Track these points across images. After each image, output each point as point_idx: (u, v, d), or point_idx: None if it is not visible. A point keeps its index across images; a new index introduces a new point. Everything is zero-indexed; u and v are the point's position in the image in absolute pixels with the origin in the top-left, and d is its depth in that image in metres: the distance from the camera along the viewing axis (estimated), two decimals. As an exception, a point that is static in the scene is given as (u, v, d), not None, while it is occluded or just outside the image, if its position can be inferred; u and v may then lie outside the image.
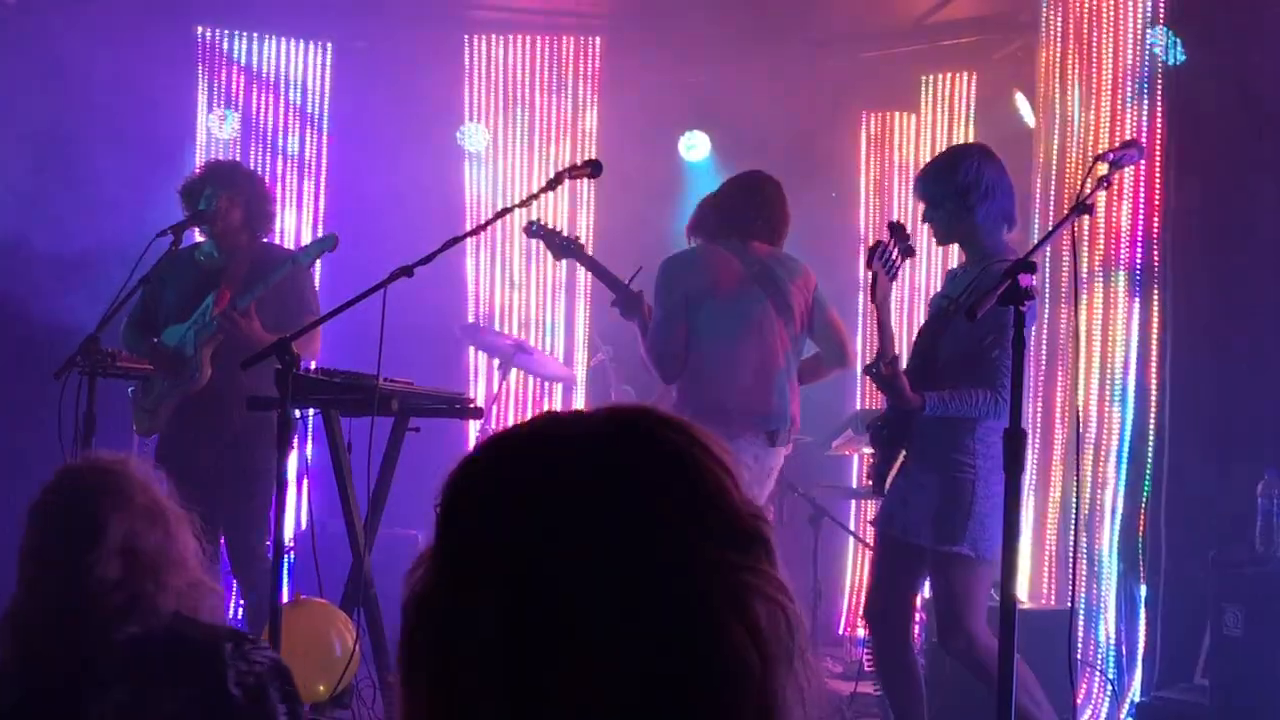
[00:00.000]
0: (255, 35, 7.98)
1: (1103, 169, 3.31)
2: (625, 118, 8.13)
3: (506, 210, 4.21)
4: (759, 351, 4.98)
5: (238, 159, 7.81)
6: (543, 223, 5.68)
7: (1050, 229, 3.19)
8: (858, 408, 7.78)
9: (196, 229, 5.54)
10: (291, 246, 7.88)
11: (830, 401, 7.81)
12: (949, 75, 7.88)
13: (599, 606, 0.94)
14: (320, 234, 8.02)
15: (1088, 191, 3.18)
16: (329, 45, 8.10)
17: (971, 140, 7.71)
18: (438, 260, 6.97)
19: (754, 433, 4.93)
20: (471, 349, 8.05)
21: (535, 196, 4.33)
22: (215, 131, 7.88)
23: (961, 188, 4.21)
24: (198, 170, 5.65)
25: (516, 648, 0.94)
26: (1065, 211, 4.14)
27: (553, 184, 4.29)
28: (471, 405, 4.88)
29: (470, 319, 7.99)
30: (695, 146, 8.36)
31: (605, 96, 8.31)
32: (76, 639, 2.27)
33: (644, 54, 8.01)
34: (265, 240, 5.66)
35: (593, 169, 4.31)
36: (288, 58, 8.05)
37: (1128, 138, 5.12)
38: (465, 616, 0.97)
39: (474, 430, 7.51)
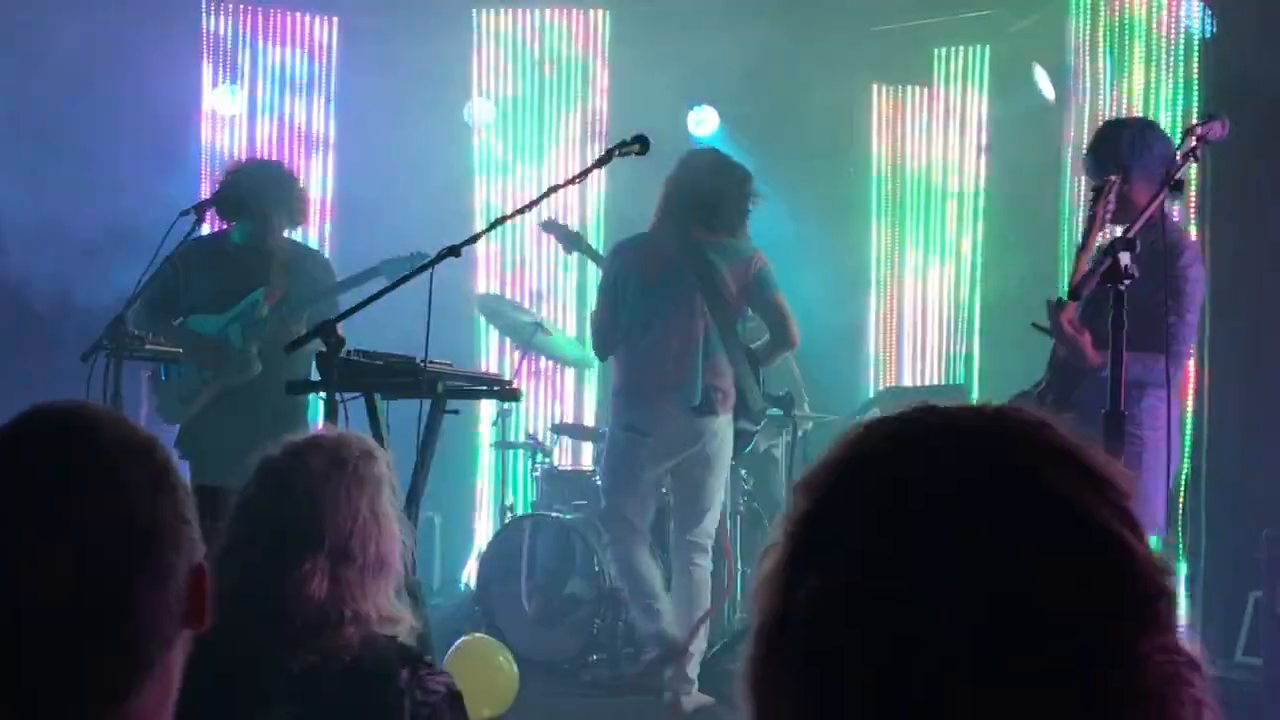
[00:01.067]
0: (261, 9, 7.84)
1: (1191, 142, 3.25)
2: (633, 92, 8.04)
3: (555, 188, 4.13)
4: (678, 332, 5.24)
5: (241, 138, 7.74)
6: (554, 219, 6.15)
7: (1144, 207, 3.12)
8: (883, 384, 7.74)
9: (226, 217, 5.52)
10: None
11: (850, 378, 7.80)
12: (962, 49, 7.81)
13: (997, 686, 0.84)
14: (331, 211, 7.95)
15: (1179, 167, 3.12)
16: (335, 19, 7.97)
17: (985, 113, 7.68)
18: (441, 234, 6.88)
19: (672, 405, 5.21)
20: (483, 326, 7.96)
21: (585, 174, 4.26)
22: (220, 107, 7.75)
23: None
24: (232, 174, 5.53)
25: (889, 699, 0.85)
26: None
27: (602, 161, 4.22)
28: (511, 388, 4.78)
29: (481, 289, 7.91)
30: (704, 122, 8.26)
31: (613, 71, 8.22)
32: (252, 652, 2.15)
33: (651, 28, 7.91)
34: (294, 240, 5.74)
35: (641, 145, 4.22)
36: (294, 32, 7.91)
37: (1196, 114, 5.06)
38: (834, 656, 0.88)
39: (489, 410, 7.44)
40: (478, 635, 5.07)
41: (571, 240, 6.22)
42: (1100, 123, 5.84)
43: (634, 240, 5.47)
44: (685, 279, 5.25)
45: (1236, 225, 5.25)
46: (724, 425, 5.31)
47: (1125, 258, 2.86)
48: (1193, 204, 5.29)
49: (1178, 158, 3.21)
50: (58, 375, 5.25)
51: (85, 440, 1.27)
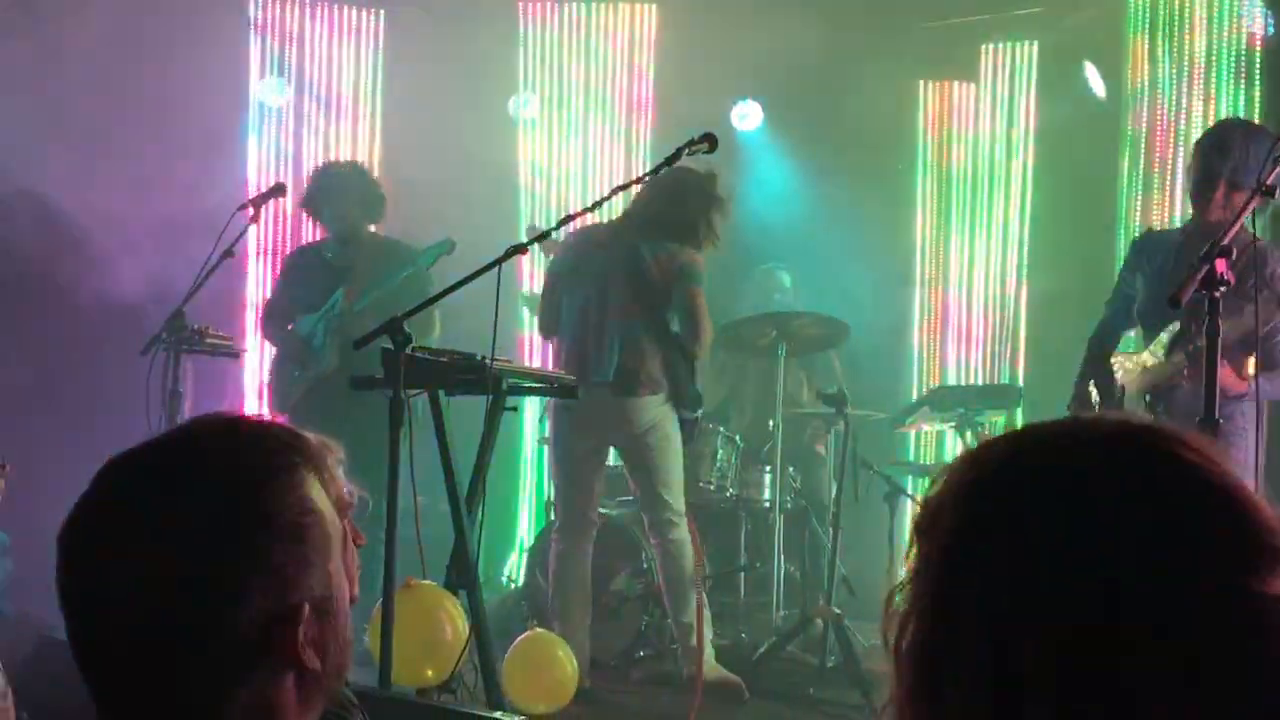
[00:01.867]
0: (308, 2, 7.84)
1: (1280, 149, 3.21)
2: (677, 86, 8.02)
3: (623, 186, 4.13)
4: (595, 314, 5.38)
5: (288, 131, 7.75)
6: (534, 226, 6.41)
7: (1236, 213, 3.09)
8: (928, 382, 7.71)
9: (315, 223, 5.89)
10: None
11: (894, 376, 7.77)
12: (1011, 45, 7.77)
13: (1130, 632, 0.91)
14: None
15: (1269, 172, 3.09)
16: (381, 12, 7.96)
17: (1033, 110, 7.64)
18: (489, 240, 6.90)
19: (596, 386, 5.28)
20: (526, 317, 7.95)
21: (656, 170, 4.25)
22: (268, 99, 7.75)
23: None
24: (313, 180, 5.92)
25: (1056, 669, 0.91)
26: (1165, 189, 4.08)
27: (672, 159, 4.21)
28: (571, 385, 4.79)
29: (526, 290, 7.90)
30: (747, 116, 8.24)
31: (658, 65, 8.20)
32: None
33: (697, 21, 7.89)
34: (383, 236, 6.00)
35: (710, 143, 4.21)
36: (340, 25, 7.91)
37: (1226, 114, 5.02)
38: (958, 615, 0.95)
39: (534, 407, 7.43)
40: (539, 630, 5.08)
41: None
42: (1154, 121, 5.82)
43: (575, 233, 5.59)
44: (610, 264, 5.36)
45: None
46: (655, 408, 5.38)
47: (1221, 265, 2.84)
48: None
49: (1268, 164, 3.17)
50: (117, 369, 5.28)
51: (189, 461, 1.30)
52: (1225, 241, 2.88)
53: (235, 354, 5.32)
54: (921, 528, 1.01)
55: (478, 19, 7.89)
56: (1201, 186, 4.21)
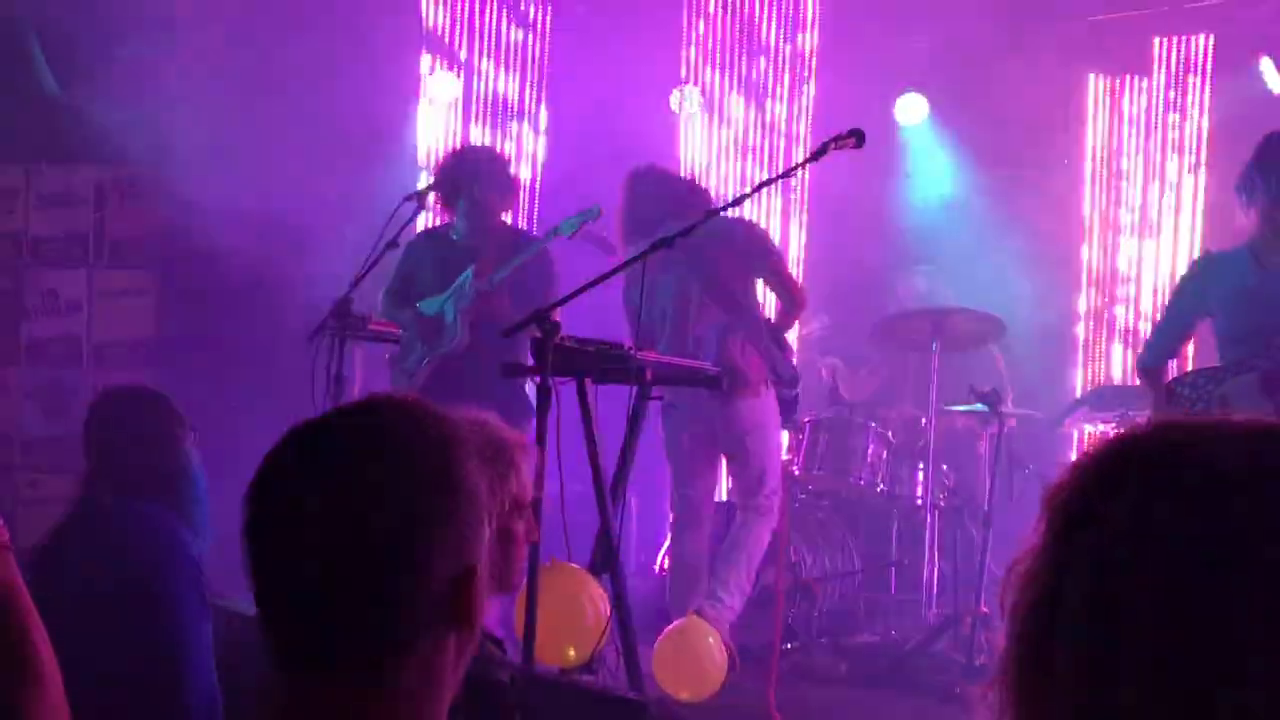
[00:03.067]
0: (477, -3, 8.04)
1: None
2: (841, 79, 8.00)
3: (769, 181, 4.20)
4: (682, 325, 5.47)
5: (455, 124, 7.94)
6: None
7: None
8: (1091, 382, 7.56)
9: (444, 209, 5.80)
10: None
11: (1058, 375, 7.65)
12: (1184, 38, 7.56)
13: (1248, 626, 0.91)
14: (538, 197, 8.11)
15: None
16: (549, 6, 8.11)
17: (1207, 104, 7.43)
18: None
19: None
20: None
21: (801, 166, 4.31)
22: (438, 93, 7.96)
23: None
24: (445, 163, 5.83)
25: (1175, 669, 0.92)
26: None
27: (817, 155, 4.23)
28: (715, 375, 4.85)
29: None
30: (911, 109, 8.17)
31: (822, 58, 8.19)
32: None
33: (862, 14, 7.86)
34: (511, 223, 5.95)
35: (857, 139, 4.22)
36: (508, 19, 8.08)
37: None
38: (1112, 632, 0.94)
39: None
40: (695, 617, 5.16)
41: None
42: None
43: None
44: (678, 277, 5.33)
45: None
46: (756, 409, 5.41)
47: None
48: None
49: None
50: (284, 353, 5.51)
51: (369, 438, 1.39)
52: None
53: (398, 341, 5.49)
54: (1066, 506, 1.00)
55: (641, 13, 7.99)
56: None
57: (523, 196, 7.99)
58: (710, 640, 5.15)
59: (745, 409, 5.40)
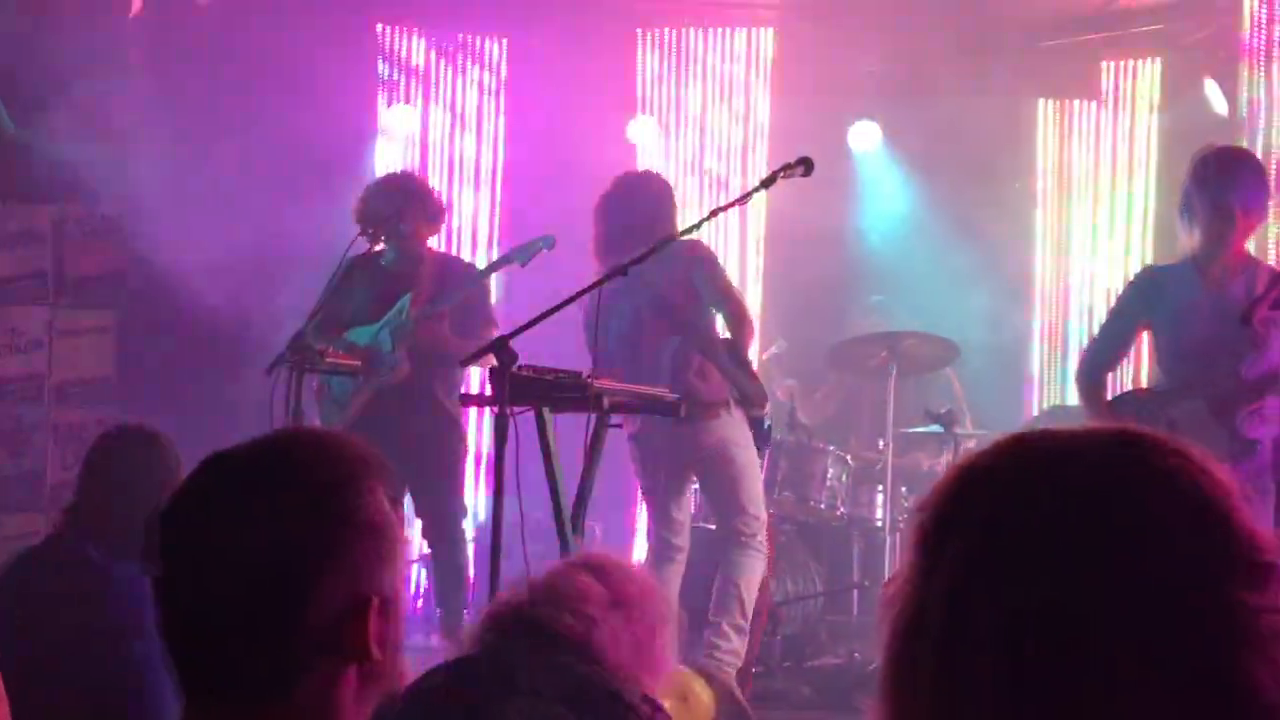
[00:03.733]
0: (433, 31, 8.09)
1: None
2: (795, 109, 8.09)
3: (719, 210, 4.21)
4: (636, 351, 5.39)
5: (414, 157, 7.98)
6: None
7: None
8: (1046, 402, 7.65)
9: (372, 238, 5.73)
10: (470, 237, 8.08)
11: (1012, 395, 7.74)
12: (1133, 62, 7.69)
13: (1106, 635, 0.92)
14: (496, 226, 8.16)
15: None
16: (504, 41, 8.18)
17: (1155, 129, 7.55)
18: (585, 252, 6.97)
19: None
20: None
21: (751, 194, 4.34)
22: (394, 127, 8.00)
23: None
24: (373, 188, 5.81)
25: (1015, 676, 0.93)
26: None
27: (766, 183, 4.28)
28: (675, 403, 4.88)
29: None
30: (865, 136, 8.27)
31: (775, 87, 8.28)
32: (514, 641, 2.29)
33: (815, 43, 7.95)
34: (441, 250, 5.99)
35: (806, 167, 4.27)
36: (464, 53, 8.15)
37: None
38: (962, 642, 0.95)
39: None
40: (679, 668, 5.09)
41: None
42: (1270, 140, 5.75)
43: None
44: (630, 306, 5.28)
45: None
46: (720, 428, 5.30)
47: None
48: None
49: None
50: (244, 389, 5.53)
51: (266, 470, 1.43)
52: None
53: (353, 374, 5.50)
54: (927, 523, 1.01)
55: (596, 45, 8.06)
56: (1229, 217, 4.20)
57: (485, 227, 8.08)
58: (697, 687, 5.10)
59: (707, 430, 5.31)
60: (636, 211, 5.38)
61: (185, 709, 1.41)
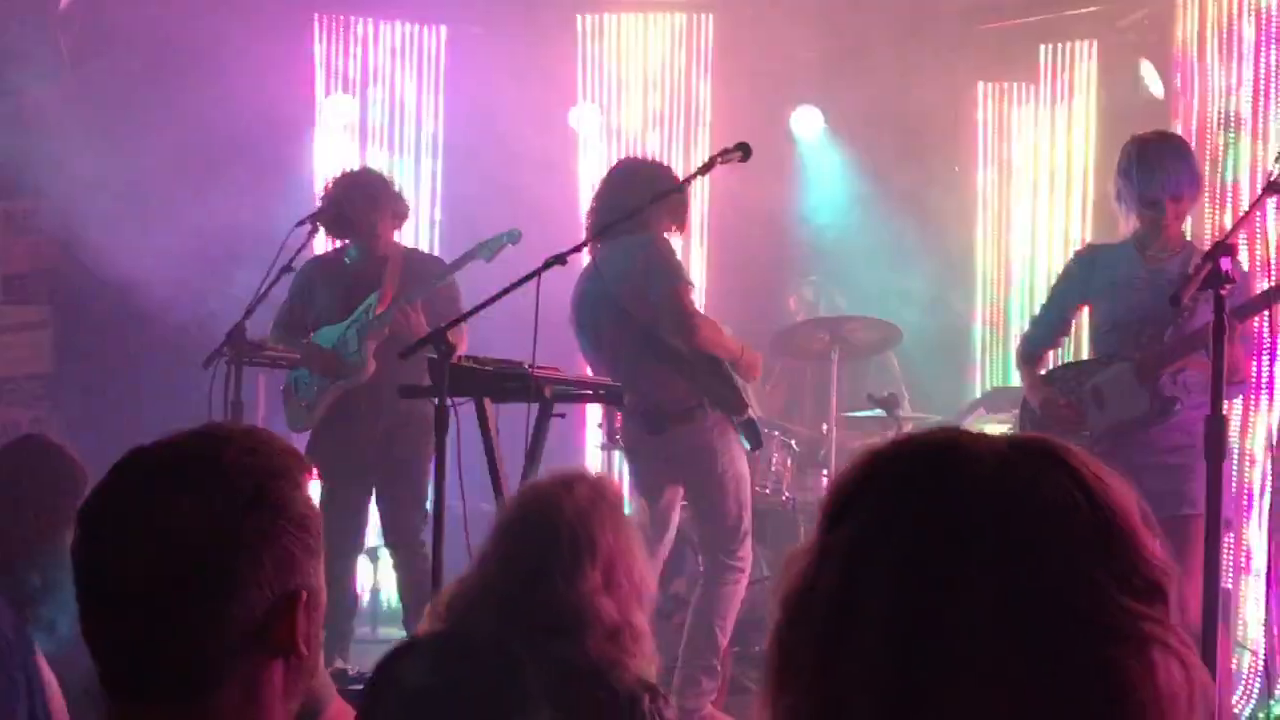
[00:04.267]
0: (371, 20, 8.03)
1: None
2: (737, 94, 8.11)
3: (659, 195, 4.20)
4: (603, 362, 5.25)
5: (357, 146, 7.93)
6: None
7: (1245, 212, 3.12)
8: (989, 385, 7.70)
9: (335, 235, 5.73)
10: (412, 228, 8.02)
11: (955, 378, 7.79)
12: (1069, 44, 7.74)
13: (989, 633, 0.92)
14: (438, 216, 8.12)
15: (1277, 171, 3.12)
16: (443, 29, 8.13)
17: (1093, 111, 7.61)
18: (549, 240, 6.93)
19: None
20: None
21: (688, 181, 4.33)
22: (333, 116, 7.94)
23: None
24: (333, 184, 5.74)
25: (897, 659, 0.93)
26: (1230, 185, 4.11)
27: (705, 169, 4.29)
28: (617, 391, 4.87)
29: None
30: (807, 122, 8.30)
31: (717, 73, 8.28)
32: (518, 646, 2.29)
33: (755, 29, 7.96)
34: (407, 246, 5.89)
35: (744, 152, 4.28)
36: (403, 42, 8.09)
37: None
38: (847, 623, 0.95)
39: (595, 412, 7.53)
40: None
41: None
42: (1205, 121, 5.81)
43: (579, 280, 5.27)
44: (594, 309, 5.12)
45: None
46: (693, 434, 5.07)
47: (1225, 263, 2.88)
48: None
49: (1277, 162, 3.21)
50: (183, 383, 5.47)
51: (198, 458, 1.40)
52: (1232, 240, 2.91)
53: (293, 366, 5.47)
54: (827, 504, 1.02)
55: (537, 33, 8.03)
56: (1158, 206, 4.27)
57: (426, 217, 8.02)
58: None
59: (679, 438, 5.09)
60: (618, 201, 4.91)
61: (109, 710, 1.38)
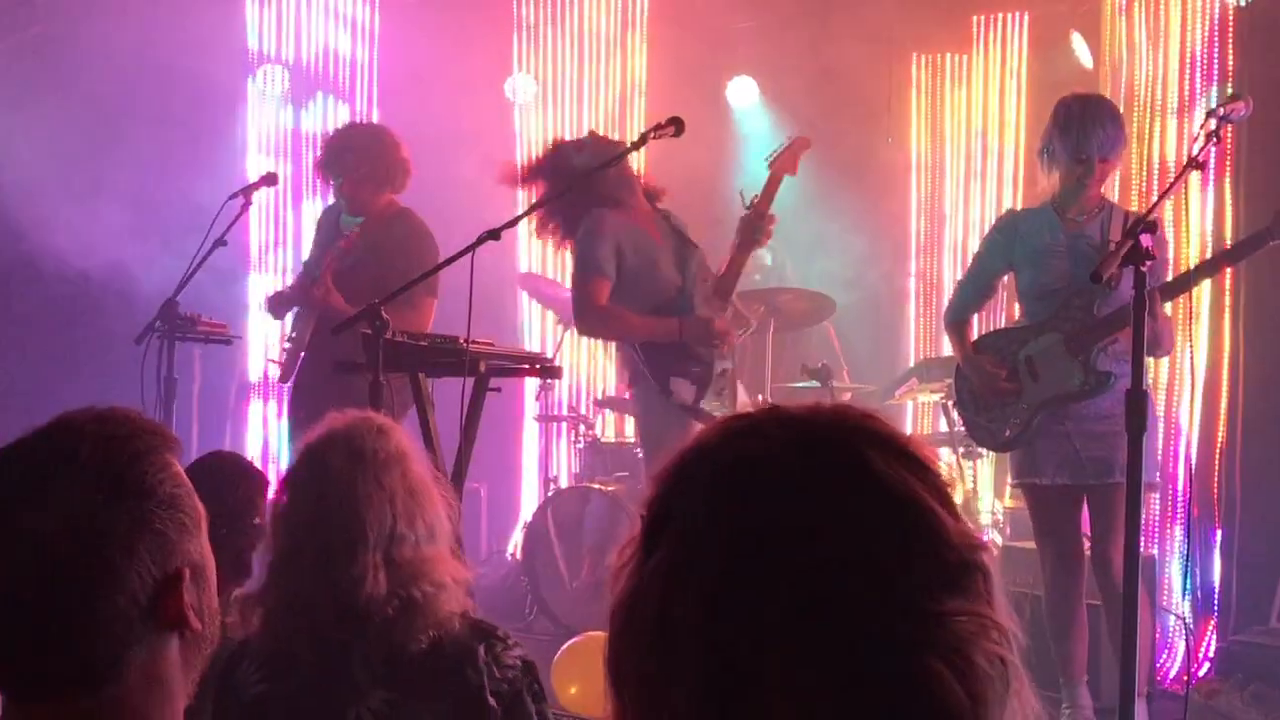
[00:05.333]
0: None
1: (1212, 124, 3.30)
2: (672, 64, 8.10)
3: (594, 170, 4.20)
4: None
5: (286, 117, 7.84)
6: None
7: (1166, 188, 3.17)
8: (923, 355, 7.77)
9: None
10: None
11: (891, 348, 7.85)
12: (1002, 15, 7.80)
13: (795, 651, 0.92)
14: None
15: (1200, 147, 3.17)
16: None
17: (1024, 81, 7.68)
18: (484, 212, 6.91)
19: None
20: (525, 299, 8.08)
21: (621, 157, 4.33)
22: (266, 86, 7.86)
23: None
24: (329, 140, 5.68)
25: (716, 660, 0.94)
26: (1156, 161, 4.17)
27: (638, 144, 4.29)
28: (551, 364, 4.88)
29: (523, 269, 8.01)
30: (742, 92, 8.31)
31: (652, 43, 8.27)
32: (334, 640, 2.24)
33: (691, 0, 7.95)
34: (401, 207, 5.62)
35: (676, 127, 4.29)
36: (337, 10, 8.01)
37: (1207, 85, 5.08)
38: (666, 641, 0.96)
39: (533, 384, 7.54)
40: (593, 634, 5.10)
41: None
42: (1131, 92, 5.88)
43: None
44: None
45: (1271, 197, 5.23)
46: (637, 405, 5.22)
47: (1146, 239, 2.93)
48: (1232, 184, 5.32)
49: (1200, 138, 3.26)
50: (116, 356, 5.41)
51: (55, 456, 1.38)
52: (1151, 217, 2.96)
53: (228, 341, 5.41)
54: (648, 506, 1.02)
55: (471, 2, 7.97)
56: (1088, 163, 4.33)
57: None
58: None
59: (631, 407, 5.29)
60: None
61: (9, 711, 1.38)
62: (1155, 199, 3.22)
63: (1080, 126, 4.34)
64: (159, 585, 1.37)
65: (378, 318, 4.04)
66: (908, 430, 7.59)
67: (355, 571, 2.21)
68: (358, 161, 5.45)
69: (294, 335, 5.54)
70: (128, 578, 1.35)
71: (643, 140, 4.27)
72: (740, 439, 1.01)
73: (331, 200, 5.75)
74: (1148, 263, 2.93)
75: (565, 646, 5.00)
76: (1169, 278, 4.37)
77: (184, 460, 1.49)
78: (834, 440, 0.99)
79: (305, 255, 5.89)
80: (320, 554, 2.24)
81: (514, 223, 4.13)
